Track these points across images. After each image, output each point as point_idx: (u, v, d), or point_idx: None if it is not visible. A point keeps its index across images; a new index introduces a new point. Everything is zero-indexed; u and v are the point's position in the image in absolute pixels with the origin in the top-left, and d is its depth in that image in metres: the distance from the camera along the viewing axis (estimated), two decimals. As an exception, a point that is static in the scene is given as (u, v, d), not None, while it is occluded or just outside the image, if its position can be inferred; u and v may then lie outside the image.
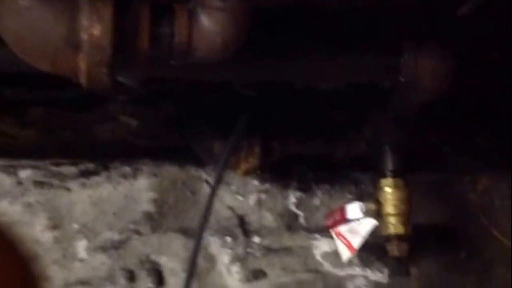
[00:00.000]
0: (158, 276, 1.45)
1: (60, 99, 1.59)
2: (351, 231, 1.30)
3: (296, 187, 1.53)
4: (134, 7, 1.00)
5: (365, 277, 1.48)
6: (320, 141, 1.40)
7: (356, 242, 1.30)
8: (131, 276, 1.44)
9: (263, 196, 1.52)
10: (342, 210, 1.32)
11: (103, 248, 1.47)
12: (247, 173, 1.42)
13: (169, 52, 1.02)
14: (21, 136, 1.56)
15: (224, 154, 1.30)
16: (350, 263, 1.43)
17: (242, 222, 1.50)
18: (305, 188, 1.53)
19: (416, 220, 1.37)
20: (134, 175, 1.52)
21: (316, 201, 1.52)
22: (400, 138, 1.32)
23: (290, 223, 1.51)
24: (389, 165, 1.32)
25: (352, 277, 1.48)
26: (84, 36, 0.96)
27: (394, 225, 1.30)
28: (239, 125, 1.29)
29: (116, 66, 0.99)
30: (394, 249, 1.32)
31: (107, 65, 0.97)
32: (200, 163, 1.54)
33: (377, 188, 1.33)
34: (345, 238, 1.32)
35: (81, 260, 1.45)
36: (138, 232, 1.48)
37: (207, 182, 1.54)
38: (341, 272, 1.47)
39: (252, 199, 1.52)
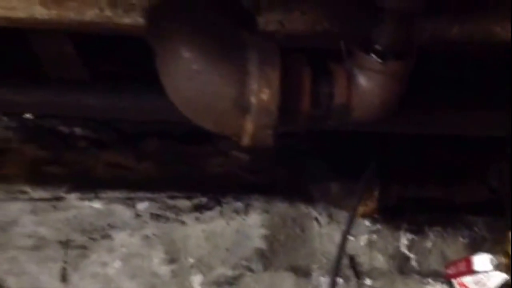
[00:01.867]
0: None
1: (173, 132, 1.55)
2: (478, 284, 1.24)
3: (407, 228, 1.49)
4: (295, 69, 0.96)
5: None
6: (439, 186, 1.35)
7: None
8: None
9: (374, 237, 1.48)
10: (468, 261, 1.27)
11: (217, 284, 1.43)
12: (364, 216, 1.38)
13: (328, 112, 0.99)
14: (138, 168, 1.53)
15: (356, 200, 1.26)
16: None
17: (353, 262, 1.46)
18: (417, 230, 1.48)
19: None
20: (246, 211, 1.49)
21: (429, 244, 1.48)
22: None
23: (401, 265, 1.47)
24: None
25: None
26: (253, 100, 0.93)
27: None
28: (369, 171, 1.24)
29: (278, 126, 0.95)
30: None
31: (272, 127, 0.94)
32: (309, 200, 1.50)
33: (507, 241, 1.27)
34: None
35: (197, 295, 1.42)
36: (250, 269, 1.45)
37: (316, 220, 1.50)
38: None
39: (363, 239, 1.48)
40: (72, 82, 1.24)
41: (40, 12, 1.12)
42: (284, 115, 0.95)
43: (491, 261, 1.26)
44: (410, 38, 0.95)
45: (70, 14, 1.13)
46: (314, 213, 1.52)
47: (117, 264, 1.47)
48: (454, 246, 1.43)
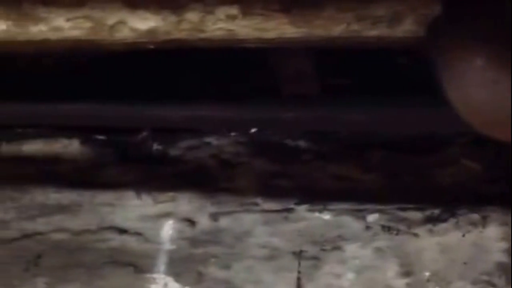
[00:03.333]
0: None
1: (398, 142, 1.48)
2: None
3: None
4: None
5: None
6: None
7: None
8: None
9: None
10: None
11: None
12: None
13: None
14: (364, 179, 1.47)
15: None
16: None
17: None
18: None
19: None
20: (483, 223, 1.38)
21: None
22: None
23: None
24: None
25: None
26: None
27: None
28: None
29: None
30: None
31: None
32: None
33: None
34: None
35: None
36: (492, 284, 1.34)
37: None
38: None
39: None
40: (328, 97, 1.21)
41: (290, 31, 1.10)
42: None
43: None
44: None
45: (318, 31, 1.10)
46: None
47: (351, 275, 1.43)
48: None
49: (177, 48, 1.18)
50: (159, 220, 1.56)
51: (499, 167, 1.46)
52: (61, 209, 1.61)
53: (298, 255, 1.48)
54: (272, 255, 1.49)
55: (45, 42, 1.16)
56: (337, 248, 1.47)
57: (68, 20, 1.12)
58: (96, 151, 1.64)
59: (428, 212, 1.46)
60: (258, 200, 1.54)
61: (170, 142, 1.62)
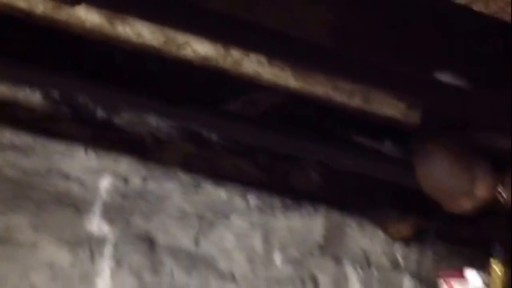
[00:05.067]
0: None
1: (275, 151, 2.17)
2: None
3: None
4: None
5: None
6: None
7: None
8: None
9: None
10: (461, 272, 2.14)
11: None
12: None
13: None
14: (252, 172, 2.16)
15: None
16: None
17: None
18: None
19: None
20: (315, 213, 2.22)
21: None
22: None
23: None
24: None
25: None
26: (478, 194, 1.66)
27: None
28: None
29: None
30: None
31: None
32: None
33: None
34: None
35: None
36: (311, 254, 2.23)
37: None
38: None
39: None
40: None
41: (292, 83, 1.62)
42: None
43: (481, 276, 2.12)
44: None
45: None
46: None
47: (231, 237, 2.14)
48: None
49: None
50: (99, 174, 1.99)
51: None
52: (15, 148, 1.90)
53: (200, 218, 2.11)
54: (182, 216, 2.09)
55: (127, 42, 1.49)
56: (226, 217, 2.14)
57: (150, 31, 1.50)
58: (54, 107, 1.92)
59: (284, 202, 2.21)
60: (179, 173, 2.08)
61: (116, 113, 1.99)
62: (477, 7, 1.20)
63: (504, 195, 1.61)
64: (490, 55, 1.50)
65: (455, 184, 1.59)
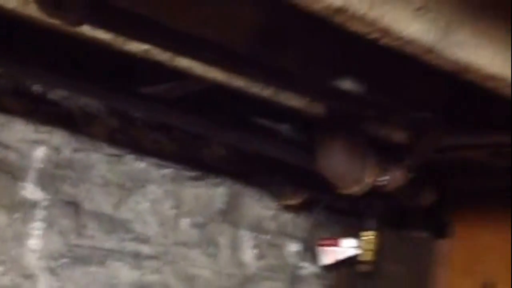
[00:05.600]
0: None
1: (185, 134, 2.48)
2: (337, 252, 2.56)
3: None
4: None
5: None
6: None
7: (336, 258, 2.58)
8: None
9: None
10: (337, 240, 2.58)
11: None
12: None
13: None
14: (166, 145, 2.45)
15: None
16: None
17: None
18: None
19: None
20: (217, 185, 2.56)
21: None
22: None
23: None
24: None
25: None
26: (367, 180, 2.06)
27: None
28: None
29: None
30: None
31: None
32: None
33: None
34: (330, 252, 2.59)
35: None
36: (215, 221, 2.57)
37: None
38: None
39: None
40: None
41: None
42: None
43: (355, 243, 2.57)
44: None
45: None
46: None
47: (147, 205, 2.43)
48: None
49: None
50: (35, 144, 2.21)
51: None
52: (-43, 117, 2.06)
53: (121, 186, 2.38)
54: (105, 184, 2.34)
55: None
56: (143, 186, 2.42)
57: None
58: (-5, 82, 2.10)
59: (193, 174, 2.52)
60: (104, 145, 2.33)
61: (50, 89, 2.21)
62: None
63: (387, 181, 2.02)
64: (384, 65, 1.87)
65: (350, 171, 1.97)
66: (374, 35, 1.40)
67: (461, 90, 1.90)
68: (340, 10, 1.32)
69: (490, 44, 1.48)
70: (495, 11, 1.45)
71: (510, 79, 1.52)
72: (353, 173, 1.97)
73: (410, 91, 1.96)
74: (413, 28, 1.41)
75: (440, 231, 2.66)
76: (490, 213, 2.55)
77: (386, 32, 1.39)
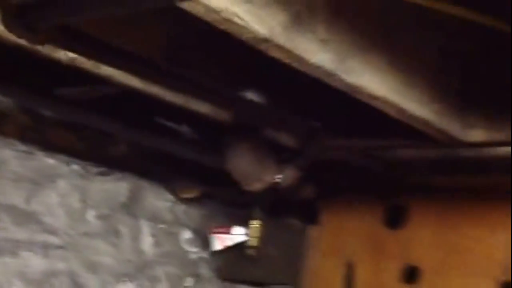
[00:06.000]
0: None
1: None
2: (227, 239, 2.86)
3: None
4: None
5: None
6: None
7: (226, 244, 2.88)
8: None
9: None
10: (229, 227, 2.88)
11: None
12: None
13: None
14: (76, 144, 2.65)
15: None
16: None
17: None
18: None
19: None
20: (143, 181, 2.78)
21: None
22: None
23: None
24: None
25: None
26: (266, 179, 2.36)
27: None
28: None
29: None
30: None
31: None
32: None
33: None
34: (221, 239, 2.88)
35: None
36: (122, 214, 2.79)
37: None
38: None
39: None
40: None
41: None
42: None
43: (243, 231, 2.87)
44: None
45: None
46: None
47: (56, 200, 2.61)
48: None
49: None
50: None
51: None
52: None
53: (32, 181, 2.54)
54: (17, 179, 2.49)
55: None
56: (53, 181, 2.59)
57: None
58: None
59: (99, 170, 2.72)
60: (16, 142, 2.48)
61: None
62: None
63: (281, 179, 2.35)
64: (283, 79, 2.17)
65: (252, 171, 2.27)
66: (288, 61, 1.69)
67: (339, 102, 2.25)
68: (265, 40, 1.59)
69: (377, 72, 1.83)
70: (382, 44, 1.79)
71: (391, 100, 1.87)
72: (255, 172, 2.27)
73: (302, 103, 2.28)
74: (319, 57, 1.71)
75: (312, 219, 3.03)
76: (354, 203, 2.95)
77: (298, 59, 1.68)
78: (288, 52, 1.63)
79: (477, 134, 2.08)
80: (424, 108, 1.97)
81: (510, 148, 2.08)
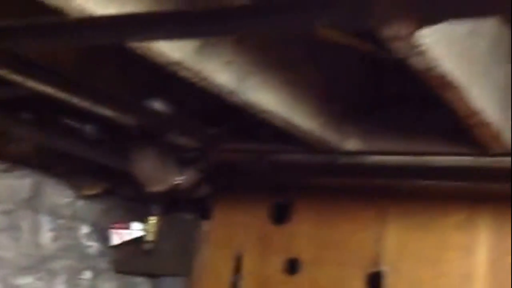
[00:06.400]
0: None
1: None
2: (126, 234, 3.04)
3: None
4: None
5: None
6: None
7: (124, 239, 3.06)
8: None
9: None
10: (128, 223, 3.05)
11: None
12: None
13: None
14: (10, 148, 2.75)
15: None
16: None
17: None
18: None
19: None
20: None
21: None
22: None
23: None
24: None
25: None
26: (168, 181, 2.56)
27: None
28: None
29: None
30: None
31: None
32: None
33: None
34: (120, 234, 3.06)
35: None
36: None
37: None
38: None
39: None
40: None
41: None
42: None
43: (141, 226, 3.05)
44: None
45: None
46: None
47: None
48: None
49: None
50: None
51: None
52: None
53: None
54: None
55: None
56: None
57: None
58: None
59: (2, 167, 2.81)
60: None
61: None
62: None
63: (183, 181, 2.56)
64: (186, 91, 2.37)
65: (155, 174, 2.46)
66: (196, 80, 1.90)
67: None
68: (177, 63, 1.80)
69: (272, 89, 2.07)
70: (278, 64, 2.04)
71: (280, 114, 2.12)
72: (158, 175, 2.46)
73: (203, 112, 2.50)
74: (223, 77, 1.94)
75: (204, 213, 3.27)
76: (244, 200, 3.21)
77: (205, 79, 1.90)
78: (196, 73, 1.84)
79: (352, 144, 2.40)
80: (310, 121, 2.24)
81: (383, 157, 2.41)
